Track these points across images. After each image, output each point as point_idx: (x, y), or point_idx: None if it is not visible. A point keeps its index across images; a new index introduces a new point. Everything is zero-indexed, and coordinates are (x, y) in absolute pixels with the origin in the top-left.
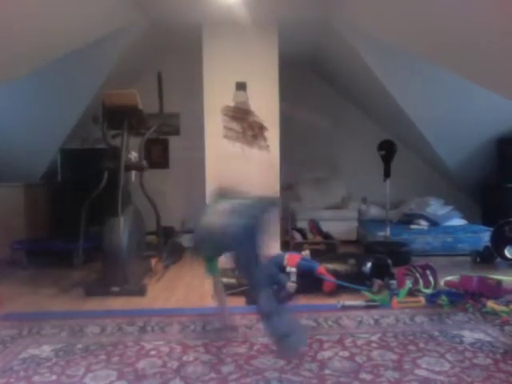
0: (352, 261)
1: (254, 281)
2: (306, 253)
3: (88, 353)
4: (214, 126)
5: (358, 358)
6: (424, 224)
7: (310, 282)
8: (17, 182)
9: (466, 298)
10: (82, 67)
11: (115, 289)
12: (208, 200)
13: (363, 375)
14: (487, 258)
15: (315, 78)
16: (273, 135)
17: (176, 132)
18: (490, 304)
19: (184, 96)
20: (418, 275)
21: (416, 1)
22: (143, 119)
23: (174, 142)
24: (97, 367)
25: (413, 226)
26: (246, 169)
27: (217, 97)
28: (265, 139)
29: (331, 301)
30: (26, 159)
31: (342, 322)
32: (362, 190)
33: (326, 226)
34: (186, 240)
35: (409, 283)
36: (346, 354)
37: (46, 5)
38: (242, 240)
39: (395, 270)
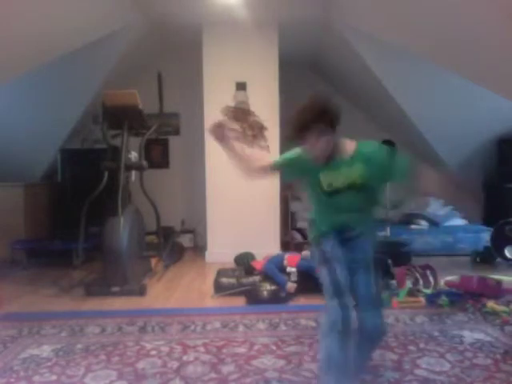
0: None
1: None
2: (306, 253)
3: (88, 353)
4: None
5: None
6: (424, 224)
7: (310, 282)
8: (17, 181)
9: (466, 298)
10: (82, 67)
11: (115, 289)
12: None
13: (363, 375)
14: (487, 258)
15: (315, 78)
16: (273, 135)
17: (176, 132)
18: (490, 304)
19: (184, 96)
20: (418, 275)
21: (416, 1)
22: (143, 119)
23: (174, 142)
24: (97, 367)
25: (413, 226)
26: None
27: (217, 97)
28: (265, 139)
29: None
30: (26, 159)
31: None
32: None
33: None
34: (185, 240)
35: (409, 283)
36: None
37: (46, 5)
38: None
39: (395, 270)
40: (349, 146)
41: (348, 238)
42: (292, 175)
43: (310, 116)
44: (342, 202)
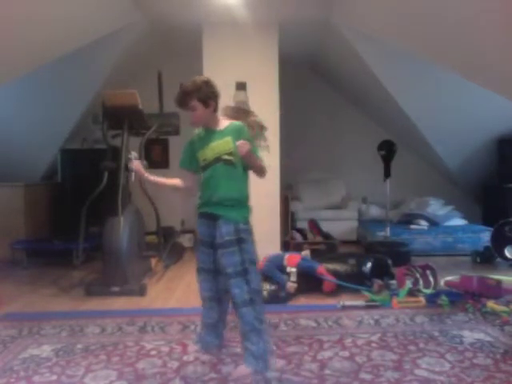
0: (352, 261)
1: None
2: (306, 253)
3: (88, 353)
4: None
5: (357, 358)
6: (424, 224)
7: (310, 282)
8: (17, 181)
9: (466, 298)
10: (82, 67)
11: (115, 289)
12: None
13: (363, 375)
14: (487, 258)
15: (315, 78)
16: (273, 135)
17: (176, 132)
18: (490, 304)
19: None
20: (418, 275)
21: (416, 1)
22: (143, 119)
23: (174, 142)
24: (97, 367)
25: (413, 226)
26: None
27: None
28: (265, 139)
29: (331, 301)
30: (26, 159)
31: (341, 322)
32: (362, 190)
33: (326, 226)
34: (185, 240)
35: (409, 283)
36: (346, 354)
37: (47, 5)
38: None
39: (395, 270)
40: (223, 122)
41: (213, 217)
42: (194, 162)
43: (184, 93)
44: (212, 177)
